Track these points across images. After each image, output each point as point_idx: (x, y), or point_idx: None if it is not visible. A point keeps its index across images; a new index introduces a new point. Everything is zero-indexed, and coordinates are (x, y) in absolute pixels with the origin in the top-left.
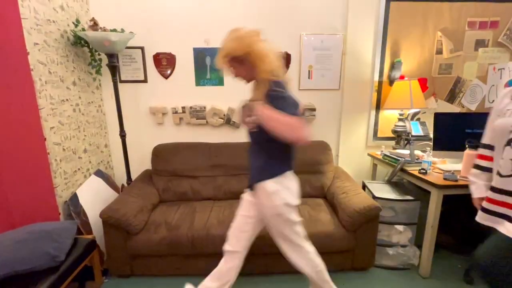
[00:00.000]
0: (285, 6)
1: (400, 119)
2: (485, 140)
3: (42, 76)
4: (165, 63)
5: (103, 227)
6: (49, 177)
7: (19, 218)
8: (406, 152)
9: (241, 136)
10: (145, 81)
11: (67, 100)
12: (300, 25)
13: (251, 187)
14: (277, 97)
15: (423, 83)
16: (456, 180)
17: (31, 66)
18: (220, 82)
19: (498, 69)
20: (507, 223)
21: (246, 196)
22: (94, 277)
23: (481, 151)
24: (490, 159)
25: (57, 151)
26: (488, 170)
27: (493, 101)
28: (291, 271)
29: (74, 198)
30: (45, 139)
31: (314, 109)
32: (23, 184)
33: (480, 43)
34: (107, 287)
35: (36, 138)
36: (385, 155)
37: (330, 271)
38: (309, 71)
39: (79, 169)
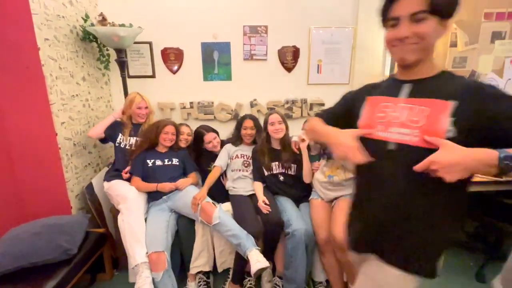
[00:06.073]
0: None
1: None
2: None
3: (53, 72)
4: (173, 58)
5: (113, 221)
6: (61, 172)
7: (32, 212)
8: None
9: None
10: (153, 76)
11: (77, 95)
12: (309, 18)
13: None
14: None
15: None
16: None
17: (42, 61)
18: (228, 77)
19: None
20: None
21: None
22: (105, 270)
23: None
24: None
25: (68, 146)
26: None
27: None
28: None
29: (90, 186)
30: (56, 134)
31: (323, 104)
32: (35, 179)
33: (496, 35)
34: (117, 280)
35: (47, 133)
36: None
37: None
38: (318, 65)
39: (89, 163)
